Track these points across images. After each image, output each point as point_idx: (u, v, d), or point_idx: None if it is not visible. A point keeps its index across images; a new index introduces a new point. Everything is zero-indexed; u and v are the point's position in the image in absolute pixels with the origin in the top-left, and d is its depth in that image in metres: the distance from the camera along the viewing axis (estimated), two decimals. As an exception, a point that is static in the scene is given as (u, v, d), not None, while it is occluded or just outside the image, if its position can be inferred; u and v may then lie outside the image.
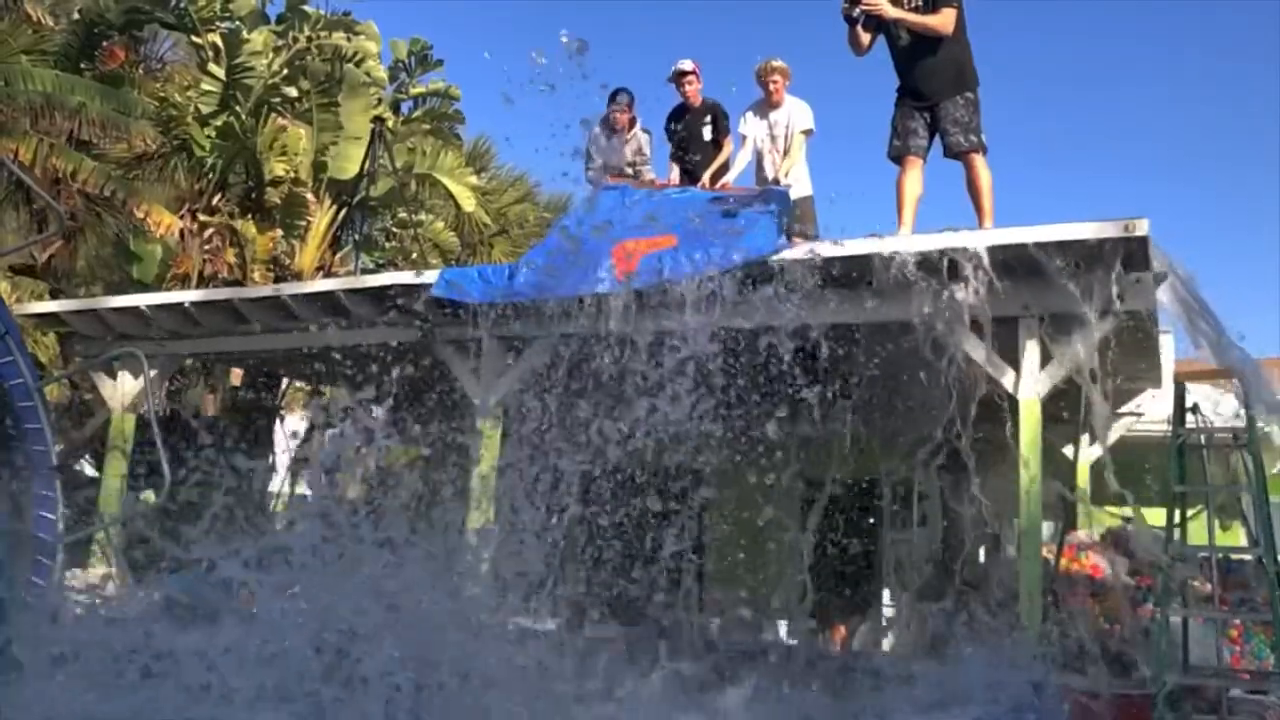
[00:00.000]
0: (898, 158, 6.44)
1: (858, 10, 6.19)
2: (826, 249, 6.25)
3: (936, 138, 6.38)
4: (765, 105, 7.45)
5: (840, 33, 6.42)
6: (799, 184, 7.35)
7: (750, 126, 7.54)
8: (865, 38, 6.31)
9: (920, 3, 6.18)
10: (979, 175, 6.20)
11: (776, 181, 7.31)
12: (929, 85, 6.26)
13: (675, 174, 8.29)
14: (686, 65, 8.06)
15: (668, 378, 6.07)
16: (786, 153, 7.40)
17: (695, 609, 9.85)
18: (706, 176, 8.00)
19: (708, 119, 8.11)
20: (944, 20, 6.09)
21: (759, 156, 7.55)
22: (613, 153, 8.36)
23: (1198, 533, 6.45)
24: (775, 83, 7.33)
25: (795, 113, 7.39)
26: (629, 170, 8.42)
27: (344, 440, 5.31)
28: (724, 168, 8.07)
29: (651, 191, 7.93)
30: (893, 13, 6.15)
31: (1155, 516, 7.21)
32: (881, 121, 7.02)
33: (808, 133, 7.43)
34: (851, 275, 6.17)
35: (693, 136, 8.15)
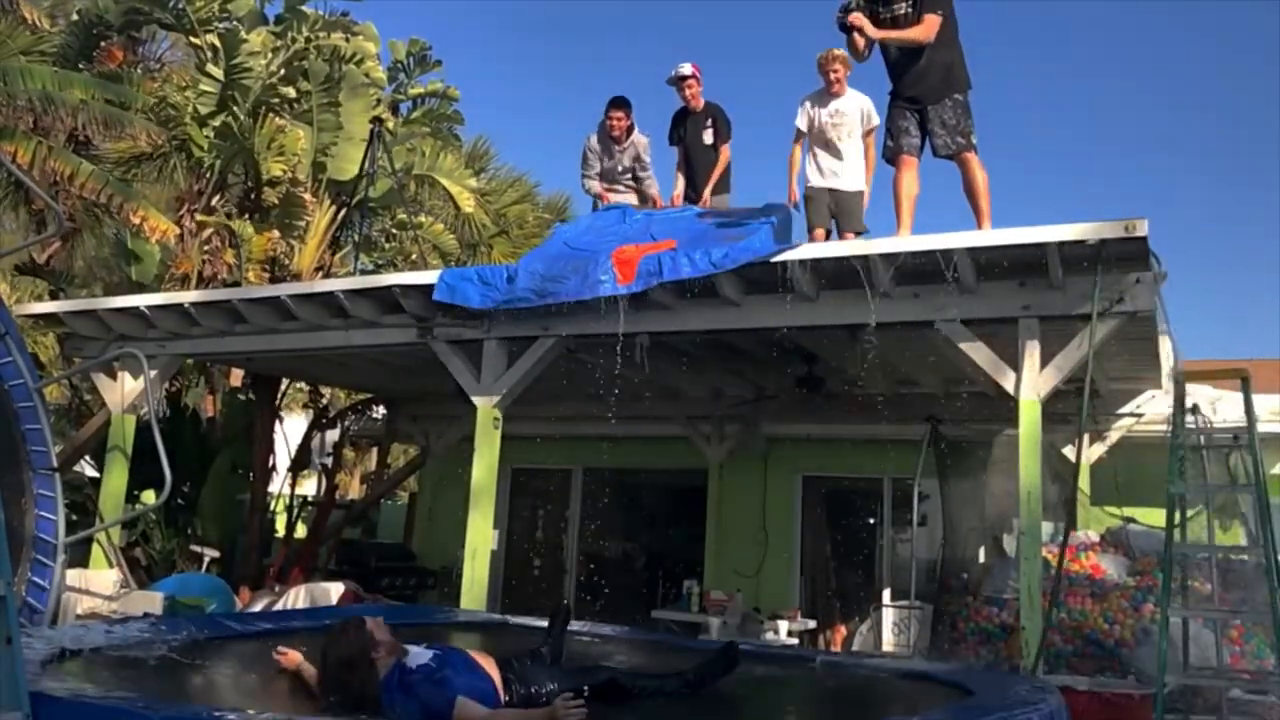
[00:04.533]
0: (892, 159, 6.48)
1: (850, 24, 6.37)
2: (826, 249, 6.25)
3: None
4: (825, 95, 7.06)
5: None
6: (854, 178, 7.02)
7: (808, 118, 7.10)
8: (862, 43, 6.47)
9: (909, 8, 6.29)
10: (975, 176, 6.22)
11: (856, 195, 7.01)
12: (918, 89, 6.35)
13: (681, 185, 8.26)
14: (686, 69, 8.02)
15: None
16: (830, 148, 7.01)
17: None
18: (707, 192, 7.97)
19: (708, 122, 8.10)
20: (926, 30, 6.21)
21: (816, 149, 7.09)
22: (610, 160, 8.38)
23: (1198, 533, 6.46)
24: (836, 72, 6.98)
25: (866, 107, 7.03)
26: (628, 179, 8.43)
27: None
28: (724, 176, 8.08)
29: (652, 211, 7.94)
30: (875, 34, 6.31)
31: (1154, 517, 7.24)
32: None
33: (874, 130, 7.07)
34: (851, 277, 6.16)
35: (694, 141, 8.14)
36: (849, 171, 7.01)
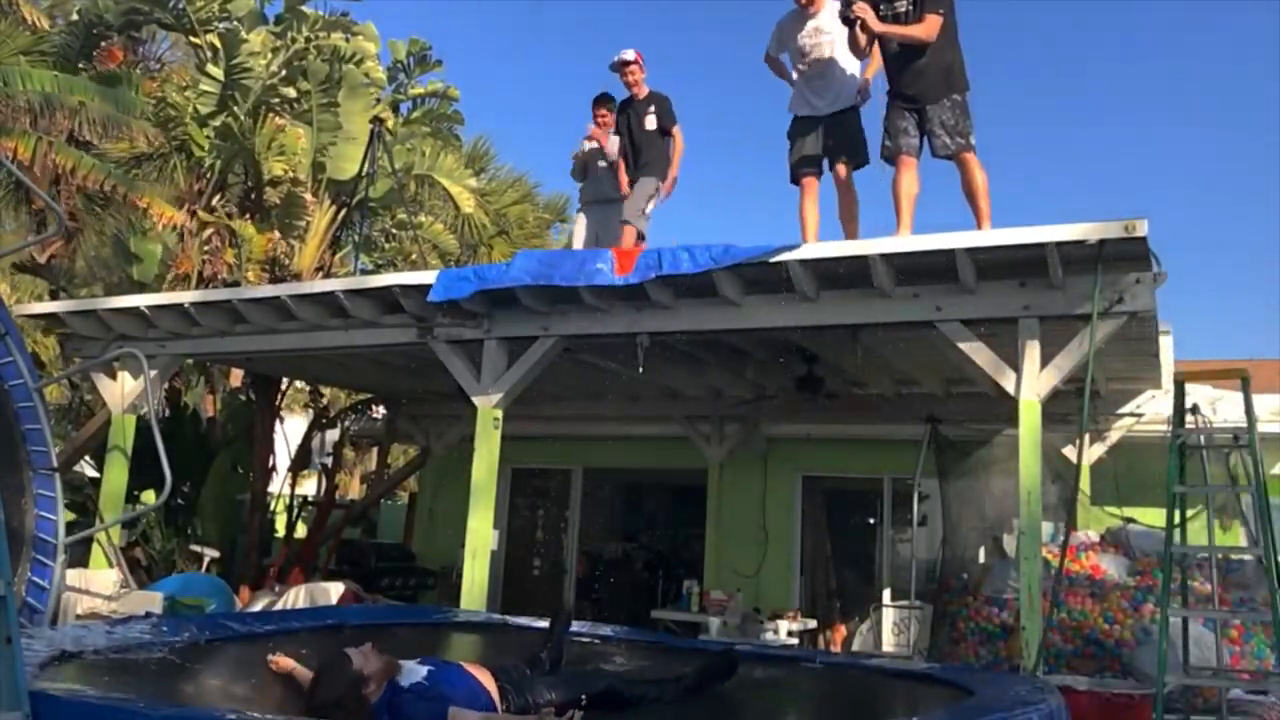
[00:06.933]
0: (890, 159, 6.46)
1: (853, 15, 6.33)
2: (825, 249, 6.24)
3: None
4: (801, 16, 6.82)
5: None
6: (844, 97, 6.79)
7: (779, 43, 6.93)
8: (864, 39, 6.44)
9: (909, 6, 6.27)
10: (974, 176, 6.20)
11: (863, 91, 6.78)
12: (916, 88, 6.32)
13: (622, 169, 8.20)
14: (628, 55, 7.96)
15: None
16: (815, 68, 6.76)
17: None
18: (671, 175, 7.98)
19: (650, 108, 8.06)
20: (928, 28, 6.17)
21: (799, 77, 6.91)
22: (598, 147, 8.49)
23: (1198, 533, 6.46)
24: None
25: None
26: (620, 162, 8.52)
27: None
28: (663, 158, 8.03)
29: None
30: (879, 28, 6.28)
31: (1154, 517, 7.23)
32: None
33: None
34: (851, 277, 6.15)
35: (635, 126, 8.10)
36: (836, 91, 6.77)
